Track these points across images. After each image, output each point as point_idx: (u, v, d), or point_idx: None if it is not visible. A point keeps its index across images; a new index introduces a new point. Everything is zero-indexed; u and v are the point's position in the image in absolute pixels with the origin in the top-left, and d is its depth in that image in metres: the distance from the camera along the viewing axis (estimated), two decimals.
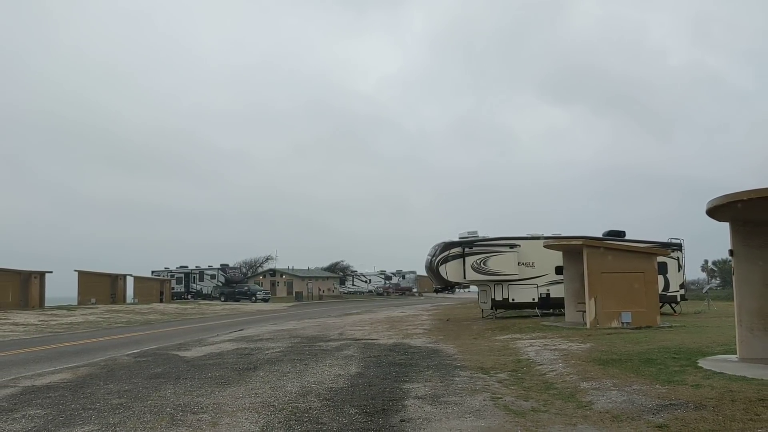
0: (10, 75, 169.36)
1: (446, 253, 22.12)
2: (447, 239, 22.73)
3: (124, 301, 44.03)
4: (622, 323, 15.32)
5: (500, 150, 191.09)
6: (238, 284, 56.81)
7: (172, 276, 58.15)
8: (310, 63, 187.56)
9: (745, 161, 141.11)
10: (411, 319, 24.55)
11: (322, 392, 7.56)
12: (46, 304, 35.80)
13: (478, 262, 21.75)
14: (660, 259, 18.22)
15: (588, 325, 15.53)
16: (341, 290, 75.92)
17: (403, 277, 77.67)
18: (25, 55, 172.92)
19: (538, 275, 22.02)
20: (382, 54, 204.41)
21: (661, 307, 17.71)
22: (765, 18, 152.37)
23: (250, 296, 52.30)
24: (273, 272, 71.40)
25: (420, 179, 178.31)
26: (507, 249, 22.05)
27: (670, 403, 6.11)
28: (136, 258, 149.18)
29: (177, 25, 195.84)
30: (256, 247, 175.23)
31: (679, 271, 23.63)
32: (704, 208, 8.68)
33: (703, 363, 8.59)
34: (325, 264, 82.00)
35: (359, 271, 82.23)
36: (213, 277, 58.45)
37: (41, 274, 35.92)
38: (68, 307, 34.89)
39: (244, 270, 69.10)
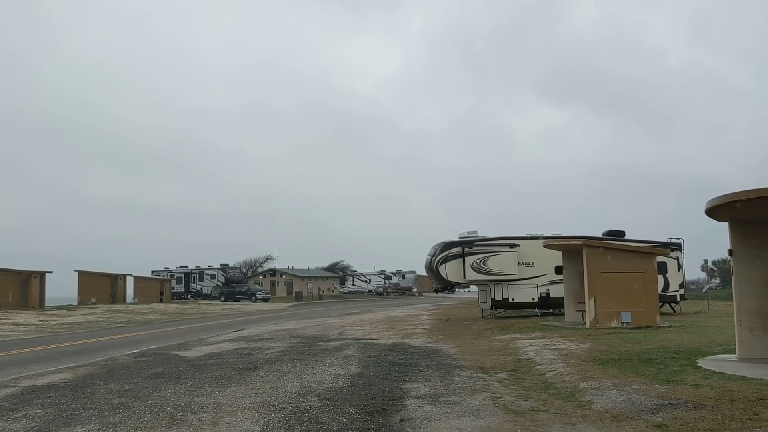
0: (9, 76, 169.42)
1: (446, 252, 22.13)
2: (447, 239, 22.75)
3: (124, 301, 44.04)
4: (622, 323, 15.34)
5: (499, 150, 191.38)
6: (238, 284, 56.83)
7: (172, 276, 58.16)
8: (310, 63, 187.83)
9: (744, 160, 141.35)
10: (411, 318, 24.57)
11: (322, 392, 7.57)
12: (46, 304, 35.81)
13: (478, 261, 21.76)
14: (659, 258, 18.22)
15: (588, 325, 15.55)
16: (341, 290, 75.93)
17: (403, 277, 77.66)
18: (24, 56, 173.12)
19: (537, 275, 22.03)
20: (381, 54, 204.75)
21: (660, 306, 17.73)
22: (763, 18, 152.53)
23: (250, 296, 52.31)
24: (273, 272, 71.42)
25: (419, 179, 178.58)
26: (507, 249, 22.06)
27: (670, 403, 6.12)
28: (136, 258, 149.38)
29: (176, 25, 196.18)
30: (256, 247, 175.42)
31: (678, 270, 23.64)
32: (703, 208, 8.70)
33: (702, 363, 8.60)
34: (325, 264, 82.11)
35: (359, 271, 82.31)
36: (213, 277, 58.47)
37: (41, 274, 35.93)
38: (68, 307, 34.89)
39: (244, 270, 69.13)
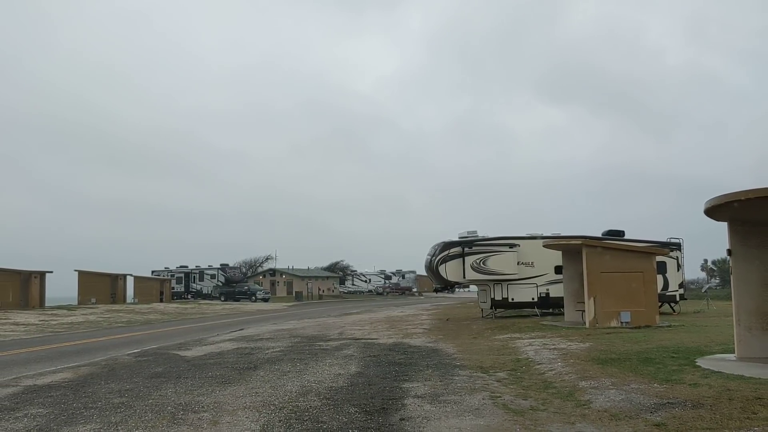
0: (8, 76, 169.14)
1: (446, 252, 22.16)
2: (446, 239, 22.78)
3: (124, 300, 44.07)
4: (621, 323, 15.36)
5: (498, 149, 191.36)
6: (238, 284, 56.90)
7: (172, 276, 58.19)
8: (308, 63, 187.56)
9: (742, 160, 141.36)
10: (410, 318, 24.59)
11: (322, 391, 7.60)
12: (47, 304, 35.85)
13: (478, 261, 21.79)
14: (659, 258, 18.25)
15: (587, 325, 15.57)
16: (341, 290, 75.96)
17: (403, 277, 77.70)
18: (22, 57, 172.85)
19: (537, 275, 22.06)
20: (379, 54, 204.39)
21: (660, 306, 17.76)
22: (760, 18, 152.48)
23: (250, 296, 52.35)
24: (273, 272, 71.46)
25: (418, 179, 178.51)
26: (506, 249, 22.09)
27: (668, 402, 6.15)
28: (136, 258, 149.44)
29: (175, 26, 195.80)
30: (256, 247, 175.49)
31: (678, 270, 23.68)
32: (702, 207, 8.72)
33: (701, 362, 8.63)
34: (325, 264, 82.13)
35: (359, 270, 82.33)
36: (213, 276, 58.51)
37: (41, 274, 35.96)
38: (68, 307, 34.92)
39: (243, 270, 69.17)
